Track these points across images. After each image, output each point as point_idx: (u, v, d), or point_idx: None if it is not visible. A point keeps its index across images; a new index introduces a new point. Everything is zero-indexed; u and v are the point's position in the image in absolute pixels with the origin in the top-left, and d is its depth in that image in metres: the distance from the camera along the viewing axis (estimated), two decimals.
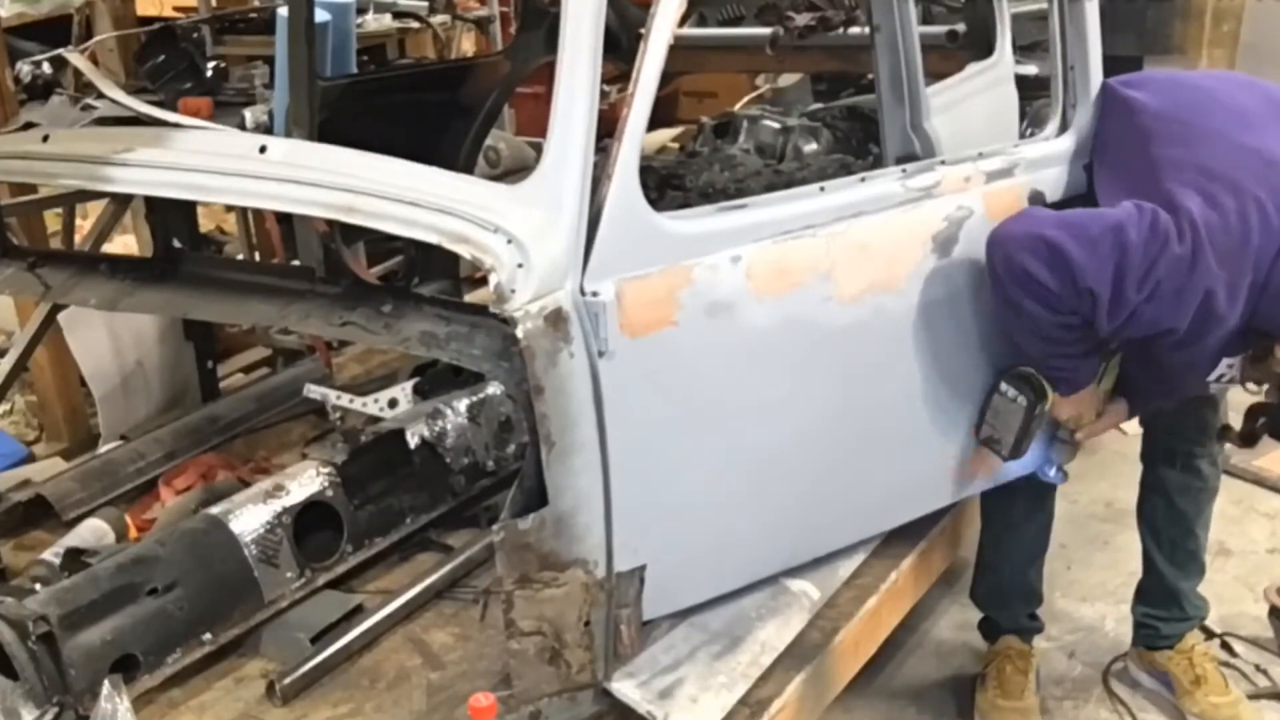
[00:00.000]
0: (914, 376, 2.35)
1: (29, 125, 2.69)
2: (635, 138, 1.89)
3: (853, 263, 2.18)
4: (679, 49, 4.15)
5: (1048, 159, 2.53)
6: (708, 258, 2.01)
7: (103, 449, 3.21)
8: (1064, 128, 2.58)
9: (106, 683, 2.07)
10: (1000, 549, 2.81)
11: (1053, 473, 2.55)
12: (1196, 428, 2.68)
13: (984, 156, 2.44)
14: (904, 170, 2.34)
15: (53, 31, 4.75)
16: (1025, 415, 2.34)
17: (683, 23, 4.35)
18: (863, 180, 2.28)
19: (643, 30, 1.94)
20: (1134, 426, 2.76)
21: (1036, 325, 2.21)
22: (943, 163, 2.40)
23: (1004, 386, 2.36)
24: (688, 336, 1.99)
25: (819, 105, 4.22)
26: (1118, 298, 2.10)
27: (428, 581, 2.52)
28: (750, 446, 2.16)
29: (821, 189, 2.21)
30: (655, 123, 5.00)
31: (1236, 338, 2.23)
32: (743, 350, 2.08)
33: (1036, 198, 2.47)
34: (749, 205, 2.12)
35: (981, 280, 2.33)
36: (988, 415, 2.41)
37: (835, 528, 2.43)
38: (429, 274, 3.77)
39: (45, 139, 2.44)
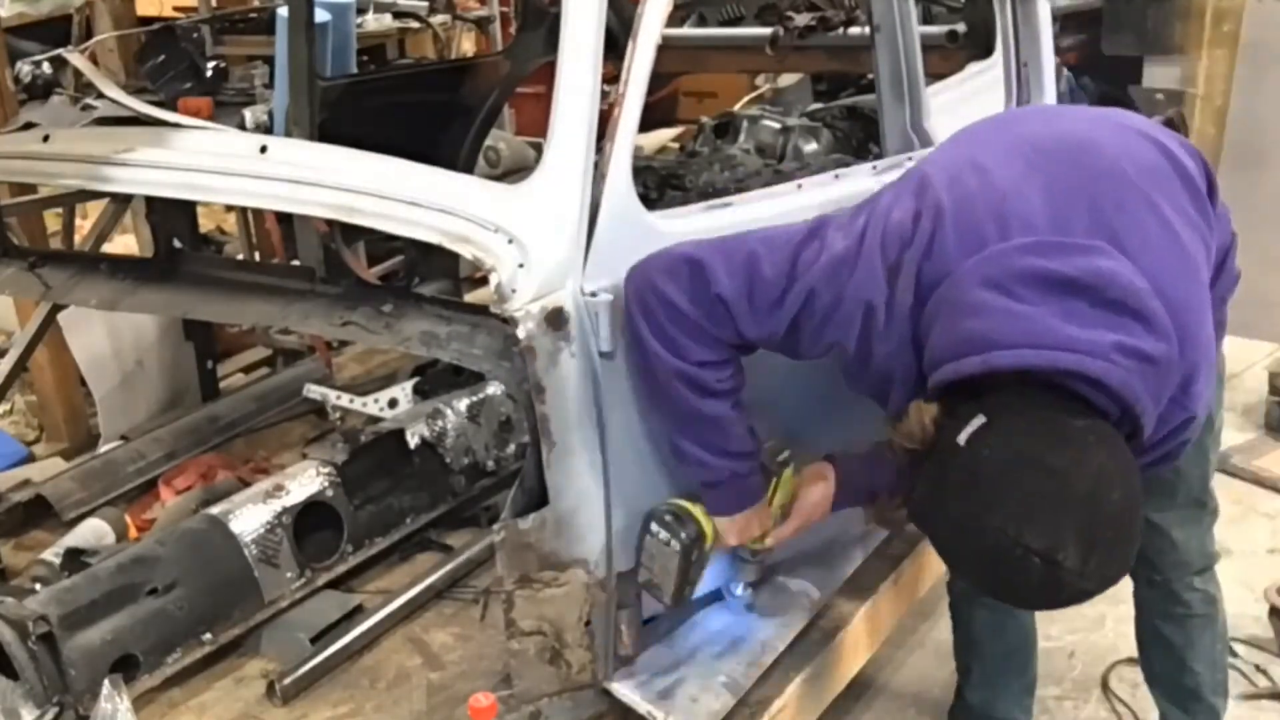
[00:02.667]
0: None
1: (29, 125, 2.69)
2: (627, 137, 1.90)
3: None
4: (679, 49, 4.18)
5: None
6: None
7: (103, 449, 3.21)
8: None
9: (106, 683, 2.07)
10: (965, 669, 2.54)
11: (740, 591, 2.22)
12: (1158, 549, 2.25)
13: None
14: (874, 166, 2.38)
15: (53, 31, 4.76)
16: (682, 560, 1.95)
17: (683, 23, 4.36)
18: (837, 177, 2.32)
19: None
20: None
21: (677, 374, 1.81)
22: (909, 158, 2.43)
23: (654, 527, 1.97)
24: None
25: (819, 105, 4.21)
26: (760, 292, 1.77)
27: (428, 581, 2.52)
28: None
29: (799, 186, 2.24)
30: (655, 123, 5.03)
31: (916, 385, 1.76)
32: None
33: None
34: (733, 203, 2.14)
35: None
36: (643, 558, 2.00)
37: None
38: (429, 274, 3.77)
39: (45, 139, 2.44)
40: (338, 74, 3.78)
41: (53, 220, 3.74)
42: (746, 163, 3.59)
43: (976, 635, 2.50)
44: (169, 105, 3.30)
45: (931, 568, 2.75)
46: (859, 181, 2.31)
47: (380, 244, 3.90)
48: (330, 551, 2.53)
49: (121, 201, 3.37)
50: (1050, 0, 4.82)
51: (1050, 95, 2.67)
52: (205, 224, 4.66)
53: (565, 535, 1.91)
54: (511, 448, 2.91)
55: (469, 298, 3.55)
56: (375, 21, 4.98)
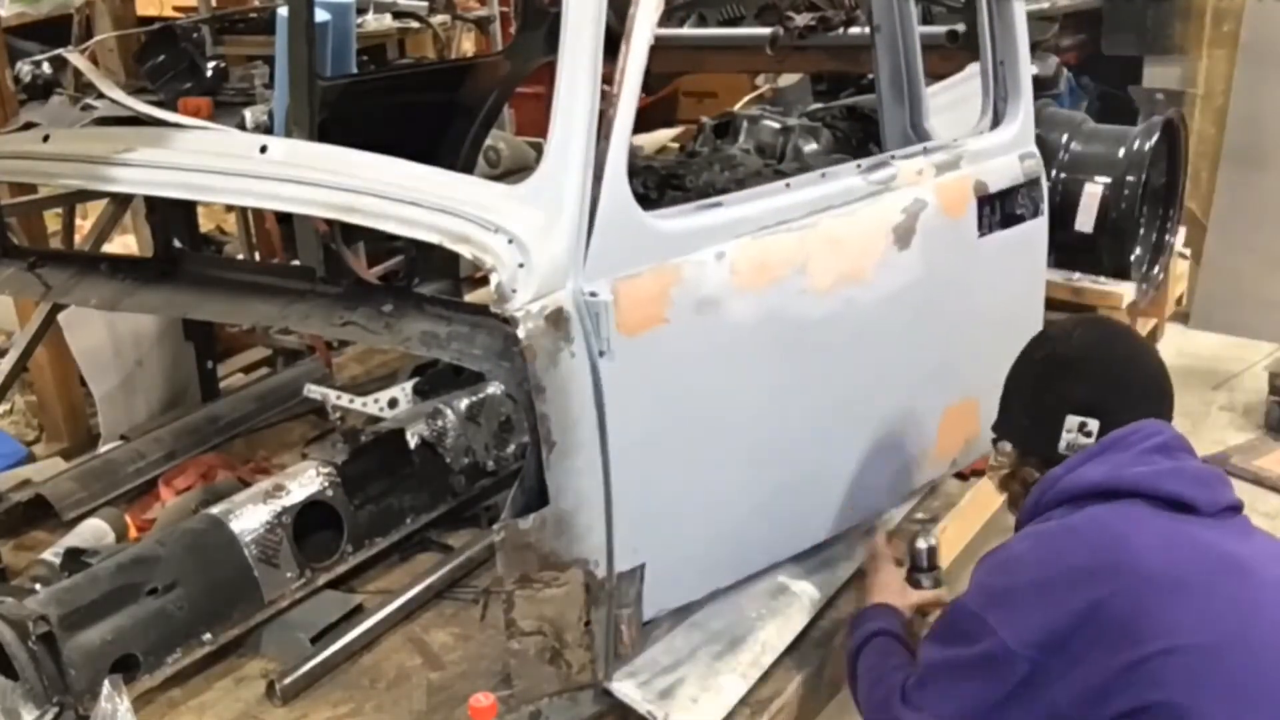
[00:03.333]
0: (883, 363, 2.41)
1: (29, 125, 2.70)
2: (622, 137, 1.90)
3: (824, 255, 2.24)
4: (679, 49, 4.17)
5: (987, 151, 2.62)
6: (694, 255, 2.03)
7: (103, 449, 3.21)
8: (997, 120, 2.68)
9: (106, 683, 2.07)
10: None
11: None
12: None
13: (929, 151, 2.52)
14: (859, 165, 2.40)
15: (53, 31, 4.75)
16: None
17: (683, 23, 4.36)
18: (823, 176, 2.34)
19: None
20: None
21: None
22: (893, 157, 2.47)
23: None
24: (679, 333, 2.01)
25: (819, 105, 4.21)
26: None
27: (428, 581, 2.52)
28: (741, 440, 2.19)
29: (787, 185, 2.26)
30: (655, 123, 5.01)
31: None
32: (730, 345, 2.11)
33: (980, 188, 2.56)
34: (725, 203, 2.15)
35: (937, 269, 2.43)
36: None
37: (820, 517, 2.45)
38: (429, 274, 3.77)
39: (45, 139, 2.44)
40: (338, 74, 3.78)
41: (53, 220, 3.74)
42: (746, 163, 3.59)
43: None
44: (169, 105, 3.31)
45: None
46: (845, 180, 2.34)
47: (380, 244, 3.90)
48: (330, 551, 2.53)
49: (121, 201, 3.37)
50: (1051, 0, 4.86)
51: (1027, 93, 2.72)
52: (205, 224, 4.65)
53: (565, 535, 1.91)
54: (511, 448, 2.90)
55: (469, 298, 3.55)
56: (375, 21, 4.97)
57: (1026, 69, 2.67)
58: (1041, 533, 1.79)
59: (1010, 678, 1.69)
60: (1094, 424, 1.86)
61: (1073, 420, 1.88)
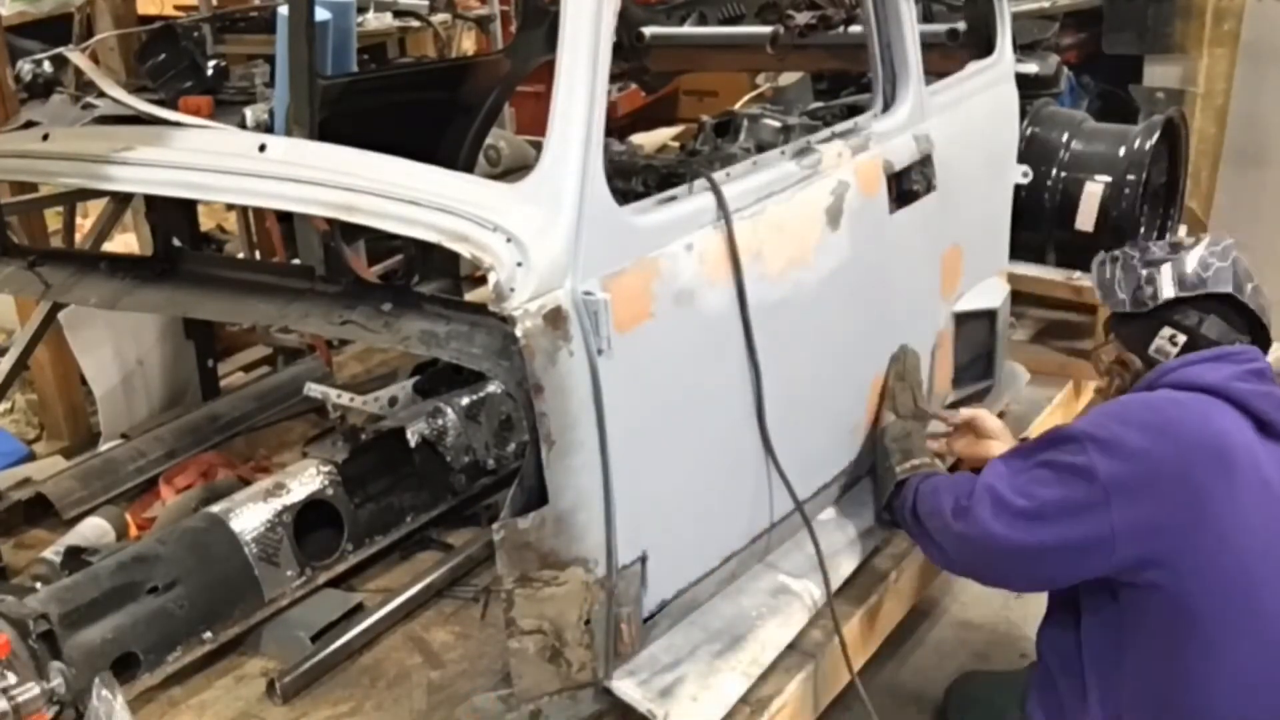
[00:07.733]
0: (828, 340, 2.48)
1: (30, 124, 2.69)
2: (597, 134, 1.91)
3: (774, 241, 2.27)
4: (679, 48, 4.17)
5: (889, 132, 2.66)
6: (667, 248, 2.04)
7: (103, 447, 3.22)
8: (887, 104, 2.71)
9: (98, 680, 2.07)
10: None
11: None
12: None
13: (841, 135, 2.56)
14: (782, 152, 2.43)
15: (53, 30, 4.76)
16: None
17: (683, 22, 4.36)
18: (754, 165, 2.36)
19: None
20: None
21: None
22: (809, 142, 2.50)
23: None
24: (663, 327, 2.02)
25: (819, 104, 4.21)
26: None
27: (428, 580, 2.53)
28: (721, 425, 2.21)
29: (728, 174, 2.27)
30: (656, 122, 5.00)
31: None
32: (706, 335, 2.13)
33: (888, 167, 2.62)
34: (679, 195, 2.15)
35: (861, 248, 2.50)
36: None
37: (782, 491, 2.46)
38: (429, 273, 3.77)
39: (46, 137, 2.44)
40: (338, 73, 3.78)
41: (53, 219, 3.74)
42: None
43: None
44: (170, 104, 3.30)
45: (930, 568, 2.76)
46: (779, 167, 2.37)
47: (380, 243, 3.90)
48: (330, 550, 2.54)
49: (122, 200, 3.37)
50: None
51: (915, 74, 2.73)
52: (206, 223, 4.66)
53: (564, 534, 1.91)
54: (511, 446, 2.91)
55: (469, 296, 3.55)
56: (376, 20, 4.96)
57: (914, 52, 2.71)
58: (1155, 398, 2.13)
59: (1083, 495, 2.02)
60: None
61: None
